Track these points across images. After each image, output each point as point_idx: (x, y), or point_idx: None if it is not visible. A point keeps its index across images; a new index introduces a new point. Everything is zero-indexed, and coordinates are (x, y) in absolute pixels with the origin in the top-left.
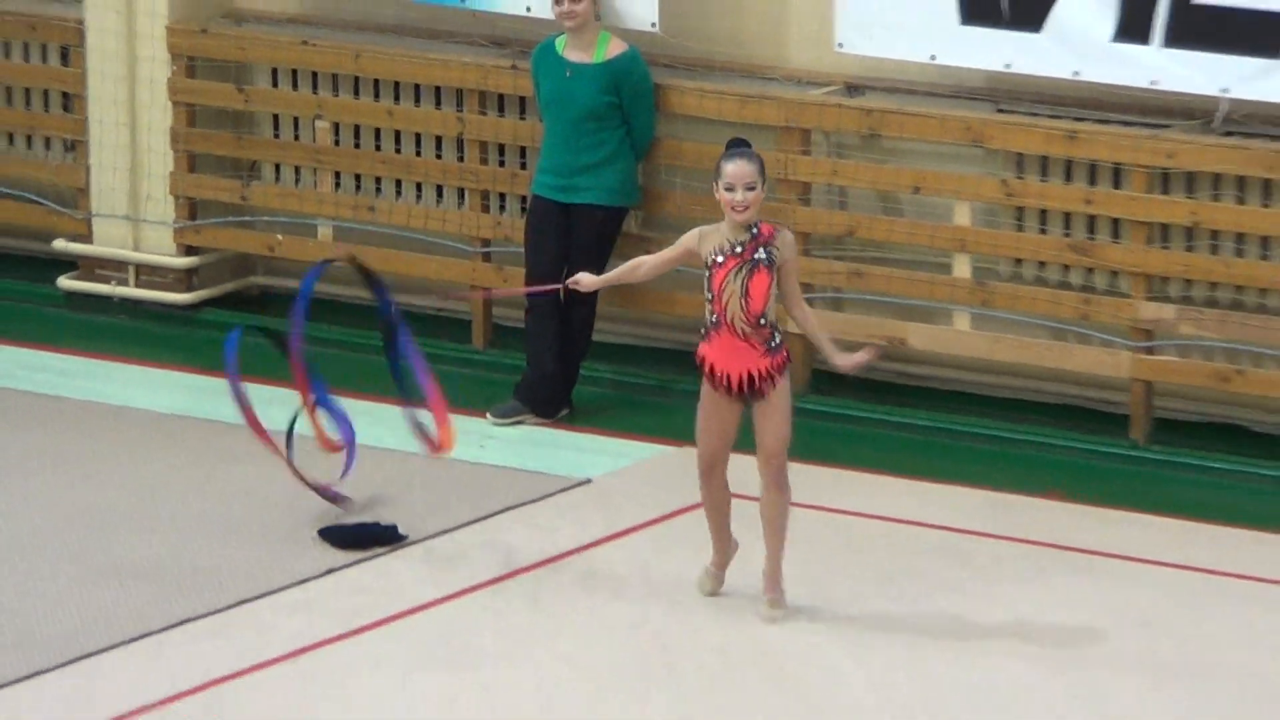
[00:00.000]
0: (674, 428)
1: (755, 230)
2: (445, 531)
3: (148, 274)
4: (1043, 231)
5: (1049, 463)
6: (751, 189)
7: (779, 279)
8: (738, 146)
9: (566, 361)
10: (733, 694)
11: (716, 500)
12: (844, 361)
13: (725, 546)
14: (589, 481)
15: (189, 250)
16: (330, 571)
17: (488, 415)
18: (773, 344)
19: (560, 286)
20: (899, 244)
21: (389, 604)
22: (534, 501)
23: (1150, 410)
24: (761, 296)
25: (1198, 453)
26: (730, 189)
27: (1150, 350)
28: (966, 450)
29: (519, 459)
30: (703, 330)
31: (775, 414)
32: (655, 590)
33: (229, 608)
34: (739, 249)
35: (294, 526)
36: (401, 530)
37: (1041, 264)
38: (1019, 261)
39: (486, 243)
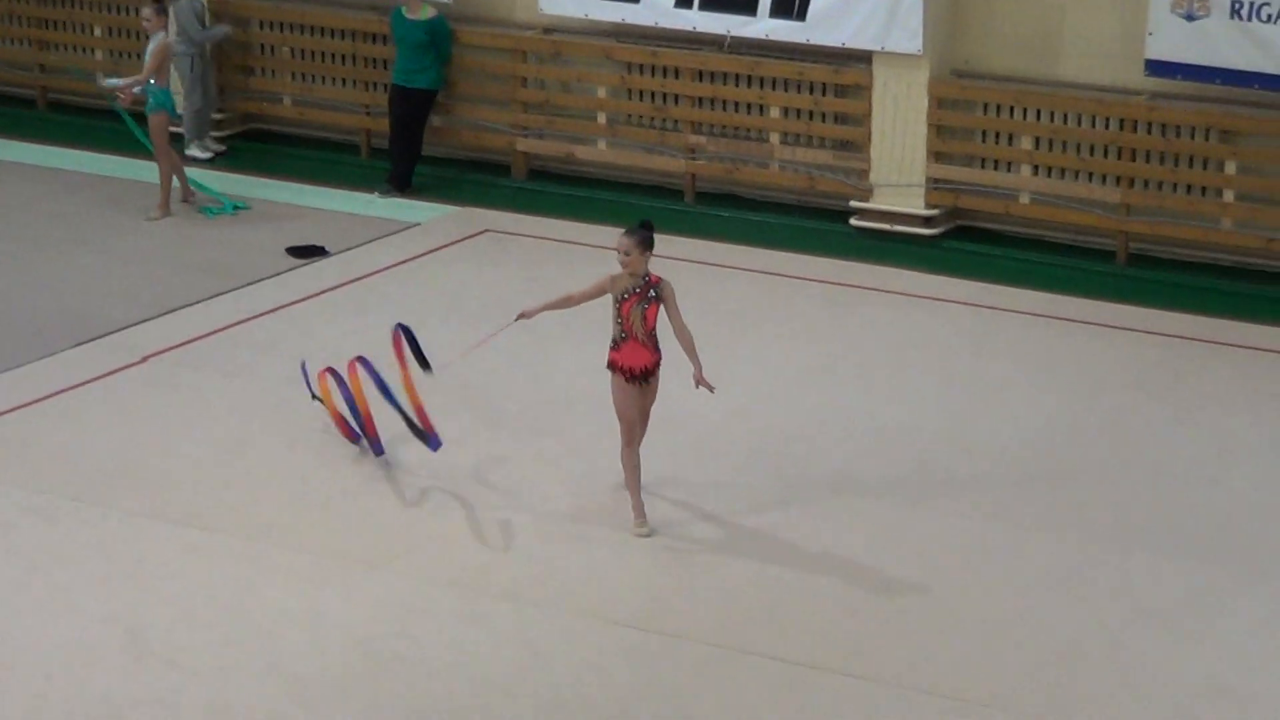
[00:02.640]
0: (462, 198)
1: (646, 278)
2: (348, 249)
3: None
4: (642, 100)
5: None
6: (627, 254)
7: (665, 310)
8: (633, 228)
9: (410, 160)
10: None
11: (635, 463)
12: (697, 375)
13: (640, 500)
14: (418, 224)
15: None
16: (283, 272)
17: (374, 192)
18: (657, 347)
19: (511, 323)
20: (571, 107)
21: (310, 285)
22: (391, 234)
23: (695, 187)
24: (653, 319)
25: (718, 206)
26: (618, 251)
27: (694, 157)
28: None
29: (387, 213)
30: (613, 343)
31: (654, 392)
32: (447, 274)
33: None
34: (637, 290)
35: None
36: (328, 249)
37: (643, 116)
38: (629, 115)
39: (368, 105)
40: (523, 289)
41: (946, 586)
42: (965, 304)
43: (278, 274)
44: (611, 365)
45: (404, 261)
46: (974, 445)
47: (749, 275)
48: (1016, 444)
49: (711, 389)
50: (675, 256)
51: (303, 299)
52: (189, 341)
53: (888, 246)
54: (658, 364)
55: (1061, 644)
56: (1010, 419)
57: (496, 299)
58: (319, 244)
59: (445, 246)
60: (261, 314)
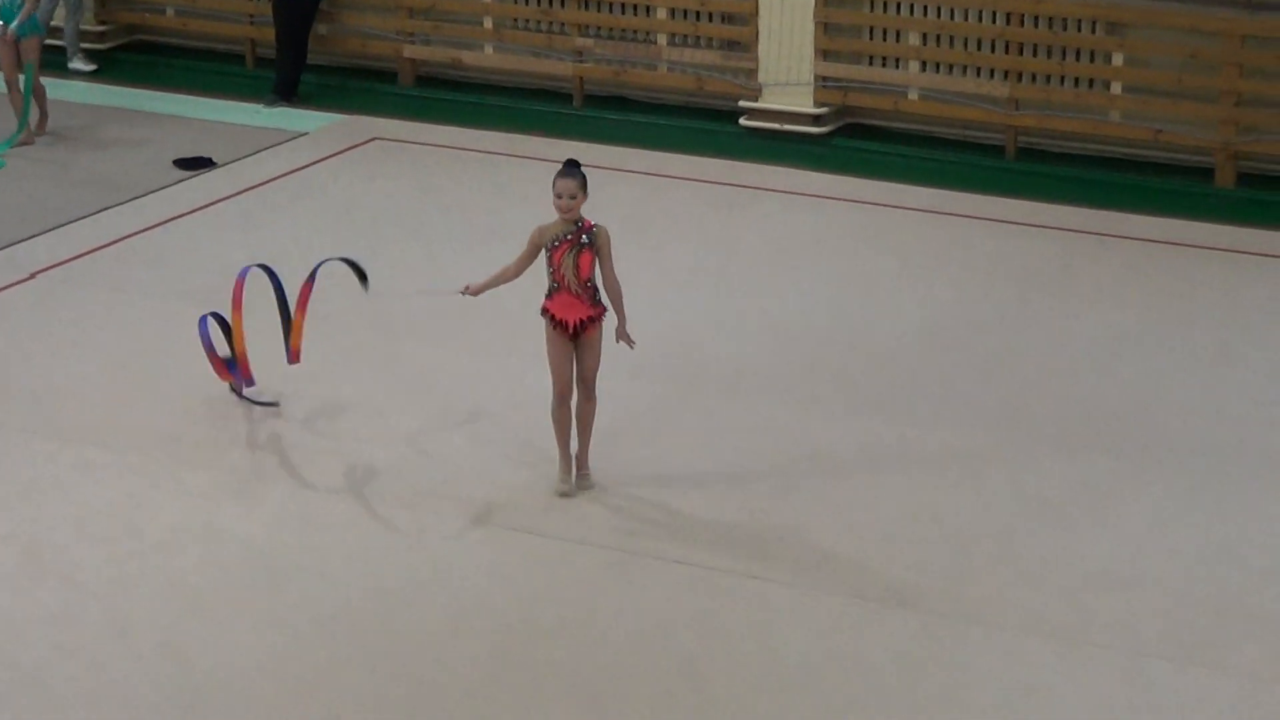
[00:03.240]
0: (349, 106)
1: (579, 224)
2: (236, 160)
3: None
4: (529, 4)
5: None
6: (573, 198)
7: (597, 258)
8: (567, 167)
9: (296, 69)
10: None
11: (564, 420)
12: (620, 329)
13: (569, 456)
14: (306, 133)
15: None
16: (171, 185)
17: (260, 102)
18: (595, 300)
19: (456, 291)
20: (457, 12)
21: (199, 198)
22: (278, 144)
23: (583, 90)
24: (587, 268)
25: (606, 109)
26: (559, 197)
27: (581, 61)
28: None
29: (274, 123)
30: (548, 292)
31: (594, 348)
32: (337, 184)
33: None
34: (569, 236)
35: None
36: (215, 160)
37: (530, 20)
38: (516, 20)
39: (252, 15)
40: (414, 198)
41: (842, 485)
42: (855, 201)
43: (165, 187)
44: (543, 312)
45: (293, 172)
46: (866, 342)
47: (638, 178)
48: (908, 340)
49: (632, 344)
50: (561, 159)
51: (191, 211)
52: (77, 257)
53: (777, 146)
54: (595, 319)
55: (956, 537)
56: (902, 315)
57: (388, 208)
58: (206, 155)
59: (333, 156)
60: (150, 227)
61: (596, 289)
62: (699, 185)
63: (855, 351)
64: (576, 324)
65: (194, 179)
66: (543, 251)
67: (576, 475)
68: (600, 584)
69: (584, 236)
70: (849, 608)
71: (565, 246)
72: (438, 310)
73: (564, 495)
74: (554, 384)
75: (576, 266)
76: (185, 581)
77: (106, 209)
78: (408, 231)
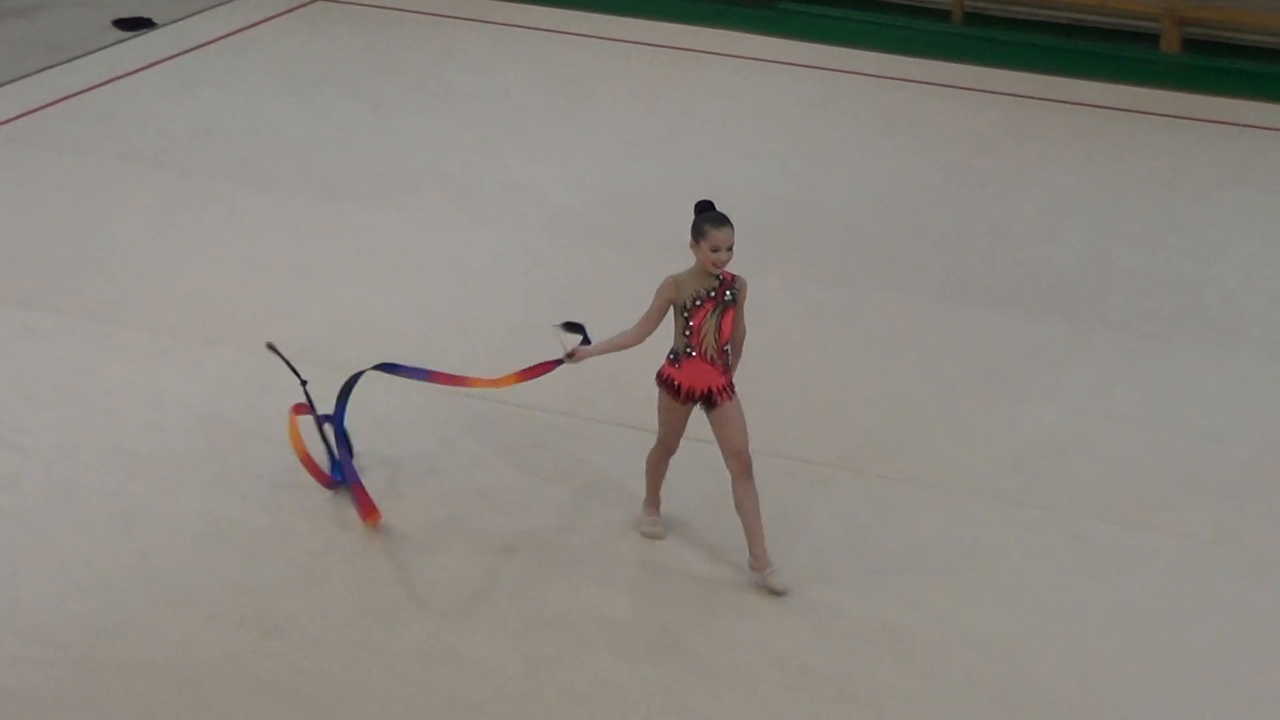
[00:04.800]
0: None
1: (719, 277)
2: (176, 20)
3: None
4: None
5: None
6: (730, 250)
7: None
8: (717, 213)
9: None
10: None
11: (663, 471)
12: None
13: (658, 500)
14: None
15: None
16: (111, 45)
17: None
18: (727, 365)
19: (559, 359)
20: None
21: (139, 59)
22: (219, 5)
23: None
24: (729, 329)
25: None
26: (716, 250)
27: None
28: None
29: None
30: (672, 357)
31: (738, 419)
32: (279, 46)
33: None
34: (711, 294)
35: None
36: (155, 21)
37: None
38: None
39: None
40: (358, 59)
41: (790, 350)
42: (805, 66)
43: (105, 47)
44: (664, 381)
45: (234, 33)
46: (815, 207)
47: (587, 41)
48: (856, 205)
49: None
50: (507, 22)
51: (133, 72)
52: (18, 117)
53: (727, 10)
54: (726, 387)
55: (903, 402)
56: (850, 180)
57: (331, 70)
58: (146, 15)
59: (275, 17)
60: (90, 88)
61: (727, 354)
62: (648, 49)
63: (804, 218)
64: (704, 392)
65: (134, 39)
66: (673, 312)
67: (761, 574)
68: (545, 446)
69: (728, 293)
70: (795, 471)
71: (709, 305)
72: (385, 175)
73: (656, 538)
74: (664, 445)
75: (719, 329)
76: (129, 446)
77: (46, 69)
78: (352, 94)
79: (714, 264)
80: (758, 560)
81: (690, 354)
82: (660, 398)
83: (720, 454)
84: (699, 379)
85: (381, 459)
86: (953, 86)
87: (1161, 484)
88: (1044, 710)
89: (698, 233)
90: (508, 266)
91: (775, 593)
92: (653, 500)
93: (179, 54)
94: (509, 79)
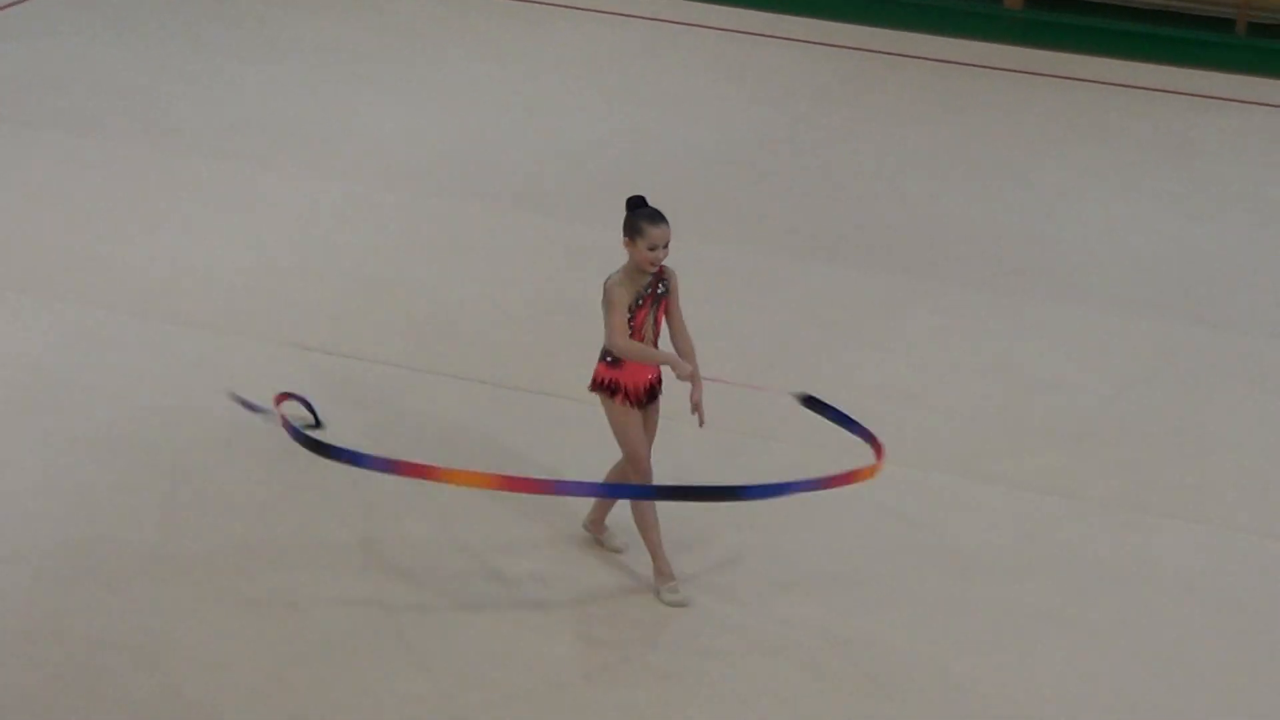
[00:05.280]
0: None
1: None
2: None
3: None
4: None
5: None
6: (667, 247)
7: (669, 303)
8: (653, 210)
9: None
10: None
11: (654, 516)
12: (696, 398)
13: (666, 559)
14: None
15: None
16: None
17: None
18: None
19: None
20: None
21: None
22: None
23: None
24: (662, 322)
25: None
26: (653, 248)
27: None
28: None
29: None
30: (609, 359)
31: (655, 424)
32: None
33: None
34: (649, 290)
35: None
36: None
37: None
38: None
39: None
40: (196, 6)
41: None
42: (650, 19)
43: None
44: (606, 386)
45: None
46: (658, 160)
47: None
48: (700, 156)
49: (702, 422)
50: None
51: None
52: None
53: None
54: (660, 378)
55: (746, 356)
56: (693, 133)
57: (168, 18)
58: None
59: None
60: None
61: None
62: (491, 1)
63: (646, 170)
64: (648, 386)
65: None
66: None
67: (597, 530)
68: (388, 399)
69: (660, 286)
70: None
71: (648, 303)
72: (222, 127)
73: (678, 605)
74: (637, 463)
75: (655, 323)
76: None
77: None
78: (190, 42)
79: (650, 262)
80: (599, 525)
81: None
82: (607, 409)
83: (644, 457)
84: (640, 375)
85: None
86: (796, 40)
87: (1002, 434)
88: (880, 658)
89: (633, 230)
90: (348, 216)
91: (682, 601)
92: (660, 563)
93: (11, 4)
94: (349, 28)
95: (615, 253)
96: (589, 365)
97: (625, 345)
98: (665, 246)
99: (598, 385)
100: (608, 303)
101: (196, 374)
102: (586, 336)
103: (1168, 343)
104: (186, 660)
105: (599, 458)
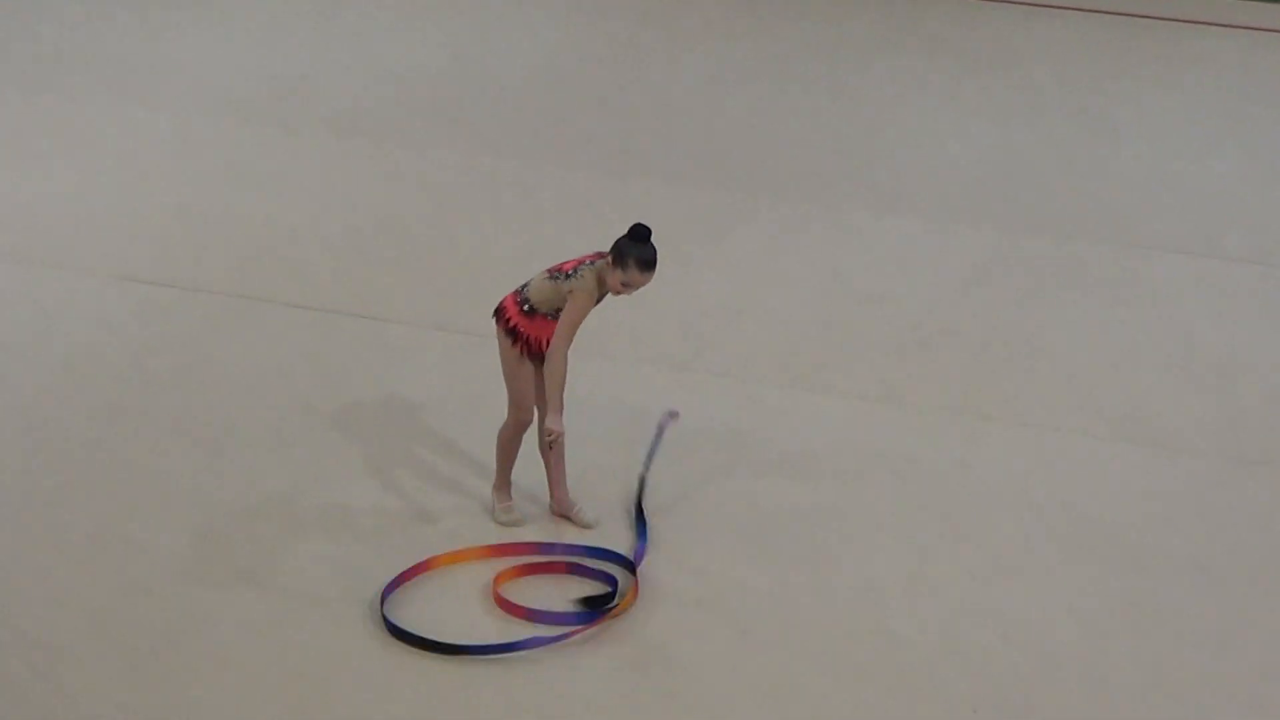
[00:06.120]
0: None
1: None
2: None
3: None
4: None
5: None
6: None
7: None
8: (649, 251)
9: None
10: None
11: (517, 448)
12: (553, 429)
13: (509, 482)
14: None
15: None
16: None
17: None
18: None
19: (550, 444)
20: None
21: None
22: None
23: None
24: None
25: None
26: (627, 285)
27: None
28: None
29: None
30: (527, 307)
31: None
32: None
33: None
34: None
35: None
36: None
37: None
38: None
39: None
40: None
41: (460, 222)
42: None
43: None
44: (511, 330)
45: None
46: (478, 80)
47: None
48: (521, 77)
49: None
50: None
51: None
52: None
53: None
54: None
55: None
56: (514, 53)
57: None
58: None
59: None
60: None
61: None
62: None
63: (468, 91)
64: (538, 348)
65: None
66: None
67: (565, 509)
68: (216, 330)
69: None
70: (462, 344)
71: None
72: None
73: (513, 524)
74: (520, 412)
75: None
76: None
77: None
78: None
79: (617, 292)
80: (561, 503)
81: (547, 316)
82: (501, 348)
83: (526, 405)
84: (545, 333)
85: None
86: None
87: (830, 346)
88: (720, 570)
89: (622, 262)
90: (168, 149)
91: (587, 526)
92: (503, 483)
93: None
94: None
95: (445, 174)
96: (414, 289)
97: (559, 366)
98: (641, 287)
99: (504, 324)
100: (571, 306)
101: (21, 310)
102: (410, 261)
103: (992, 251)
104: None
105: (429, 382)
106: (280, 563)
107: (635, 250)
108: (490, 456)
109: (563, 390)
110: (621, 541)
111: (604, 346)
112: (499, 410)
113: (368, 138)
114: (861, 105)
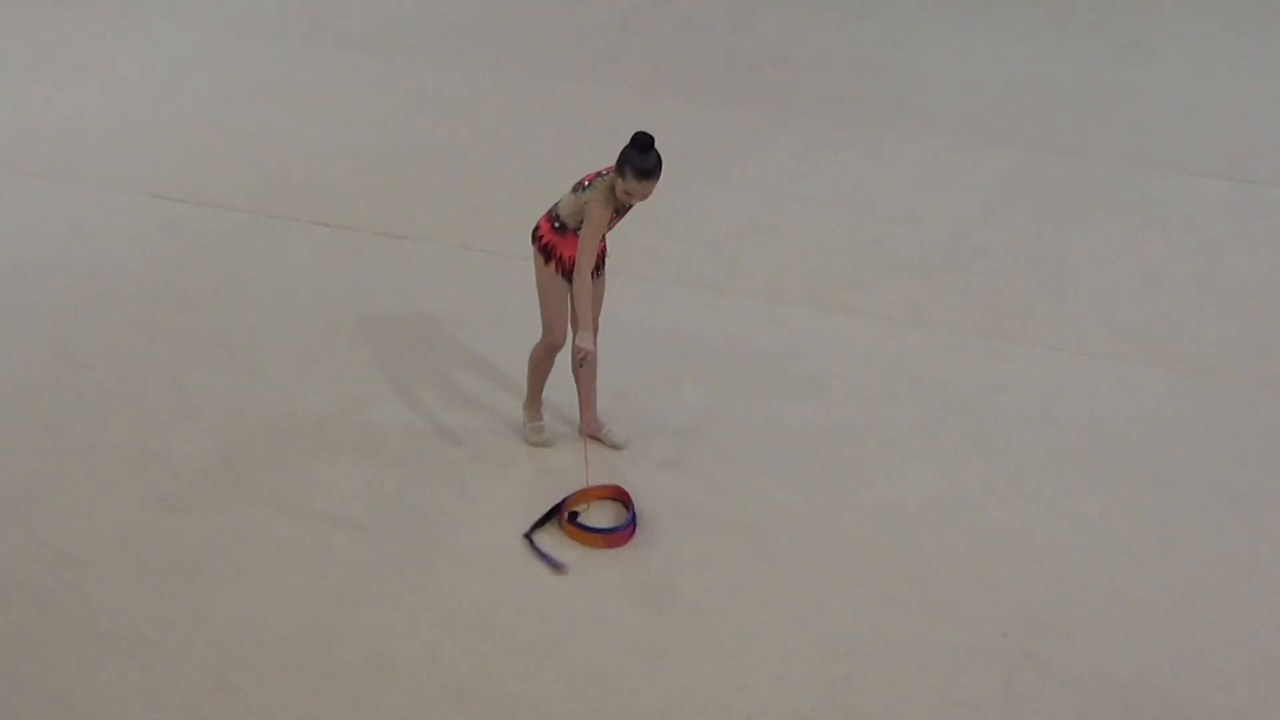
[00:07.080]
0: None
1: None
2: None
3: None
4: None
5: None
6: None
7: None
8: (649, 159)
9: None
10: None
11: (548, 369)
12: (584, 347)
13: (540, 402)
14: None
15: None
16: None
17: None
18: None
19: (581, 362)
20: None
21: None
22: None
23: None
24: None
25: None
26: (629, 195)
27: None
28: None
29: None
30: (558, 224)
31: (603, 285)
32: None
33: None
34: (621, 207)
35: None
36: None
37: None
38: None
39: None
40: None
41: (487, 141)
42: None
43: None
44: (545, 248)
45: None
46: (506, 0)
47: None
48: None
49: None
50: None
51: None
52: None
53: None
54: (607, 250)
55: None
56: None
57: None
58: None
59: None
60: None
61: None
62: None
63: (498, 10)
64: (570, 266)
65: None
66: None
67: (599, 435)
68: (242, 245)
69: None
70: (489, 263)
71: (616, 217)
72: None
73: (542, 444)
74: (555, 334)
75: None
76: None
77: None
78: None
79: (623, 200)
80: (590, 424)
81: (576, 231)
82: (537, 269)
83: (559, 327)
84: (574, 250)
85: None
86: None
87: (858, 266)
88: (748, 490)
89: (623, 170)
90: (198, 64)
91: (617, 448)
92: (534, 402)
93: None
94: None
95: (471, 93)
96: (442, 208)
97: (583, 279)
98: (644, 197)
99: (538, 243)
100: (588, 218)
101: (53, 226)
102: (438, 179)
103: (1021, 173)
104: (52, 511)
105: (456, 300)
106: (309, 482)
107: (635, 159)
108: (519, 374)
109: (590, 308)
110: (647, 463)
111: (631, 267)
112: (527, 329)
113: (397, 56)
114: (891, 24)
